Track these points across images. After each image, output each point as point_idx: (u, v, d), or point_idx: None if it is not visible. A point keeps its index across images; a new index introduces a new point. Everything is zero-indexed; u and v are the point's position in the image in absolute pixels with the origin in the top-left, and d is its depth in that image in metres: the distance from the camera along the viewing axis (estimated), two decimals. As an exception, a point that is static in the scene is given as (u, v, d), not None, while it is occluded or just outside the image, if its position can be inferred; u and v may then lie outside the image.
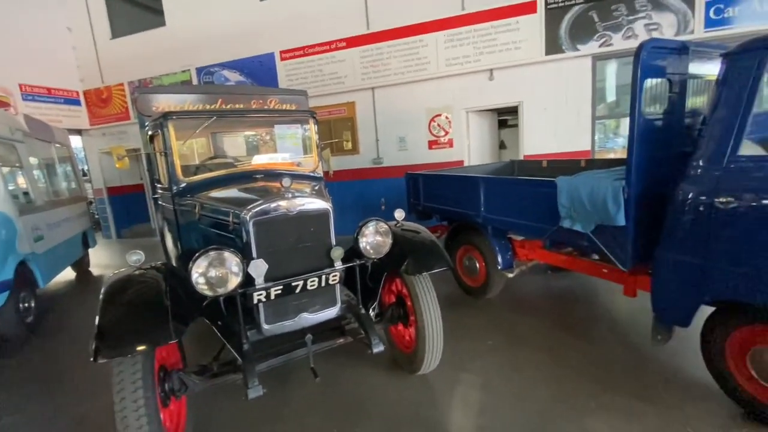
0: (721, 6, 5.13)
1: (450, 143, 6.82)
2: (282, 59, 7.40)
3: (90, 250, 6.94)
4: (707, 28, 5.22)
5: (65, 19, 8.71)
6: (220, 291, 2.04)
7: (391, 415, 2.48)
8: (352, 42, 6.88)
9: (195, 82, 7.99)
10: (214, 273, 2.02)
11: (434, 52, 6.47)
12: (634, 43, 2.95)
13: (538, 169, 4.92)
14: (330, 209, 2.41)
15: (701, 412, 2.28)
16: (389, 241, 2.54)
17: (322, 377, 2.44)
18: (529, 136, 6.35)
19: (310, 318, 2.41)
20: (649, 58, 2.32)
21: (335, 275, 2.38)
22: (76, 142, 8.97)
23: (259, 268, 2.14)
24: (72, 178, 6.74)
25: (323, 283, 2.35)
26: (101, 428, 2.54)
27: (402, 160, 7.06)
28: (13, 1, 7.78)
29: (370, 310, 2.64)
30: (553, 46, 5.87)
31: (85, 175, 9.45)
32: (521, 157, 6.26)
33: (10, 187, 4.41)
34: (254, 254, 2.20)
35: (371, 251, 2.51)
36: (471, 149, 6.91)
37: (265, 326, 2.30)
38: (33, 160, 5.17)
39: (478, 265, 4.04)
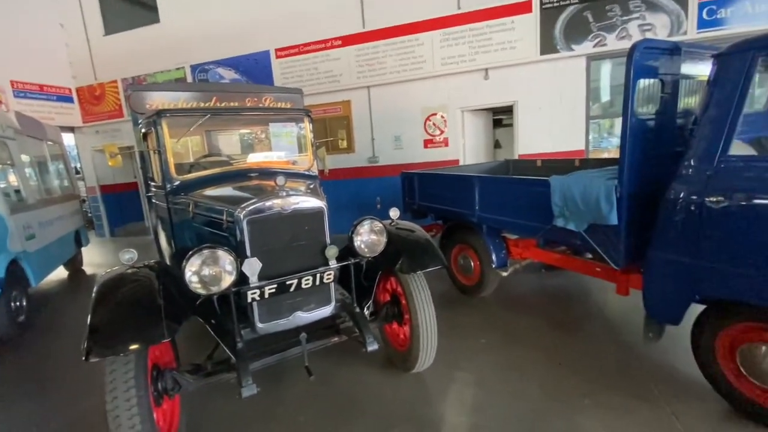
0: (714, 7, 5.18)
1: (445, 142, 6.83)
2: (277, 57, 7.37)
3: (83, 249, 6.88)
4: (700, 29, 5.27)
5: (57, 16, 8.61)
6: (214, 289, 2.03)
7: (385, 414, 2.48)
8: (348, 40, 6.87)
9: (189, 79, 7.94)
10: (207, 271, 2.02)
11: (430, 51, 6.48)
12: (628, 44, 2.97)
13: (533, 169, 4.94)
14: (324, 208, 2.41)
15: (691, 408, 2.31)
16: (384, 239, 2.54)
17: (316, 376, 2.44)
18: (524, 136, 6.37)
19: (304, 317, 2.41)
20: (642, 59, 2.34)
21: (330, 274, 2.38)
22: (68, 139, 8.88)
23: (253, 267, 2.13)
24: (64, 176, 6.68)
25: (318, 282, 2.35)
26: (94, 428, 2.52)
27: (397, 159, 7.07)
28: (4, -3, 7.69)
29: (365, 308, 2.64)
30: (547, 45, 5.89)
31: (77, 173, 9.36)
32: (516, 157, 6.29)
33: (1, 185, 4.37)
34: (248, 253, 2.19)
35: (366, 250, 2.51)
36: (466, 148, 6.92)
37: (259, 325, 2.29)
38: (24, 158, 5.12)
39: (472, 263, 4.05)
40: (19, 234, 4.36)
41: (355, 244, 2.50)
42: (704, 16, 5.23)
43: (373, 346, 2.38)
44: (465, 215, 3.89)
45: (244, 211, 2.20)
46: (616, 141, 6.40)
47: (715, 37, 5.14)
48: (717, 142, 2.06)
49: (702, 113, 2.17)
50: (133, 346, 1.75)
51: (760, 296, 1.93)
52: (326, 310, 2.49)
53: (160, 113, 3.07)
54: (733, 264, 2.00)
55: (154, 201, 3.67)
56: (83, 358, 1.66)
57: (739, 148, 2.07)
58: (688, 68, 2.52)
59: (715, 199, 2.04)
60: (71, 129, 9.13)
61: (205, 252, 2.01)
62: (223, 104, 3.93)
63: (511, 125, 6.91)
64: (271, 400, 2.67)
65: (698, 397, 2.38)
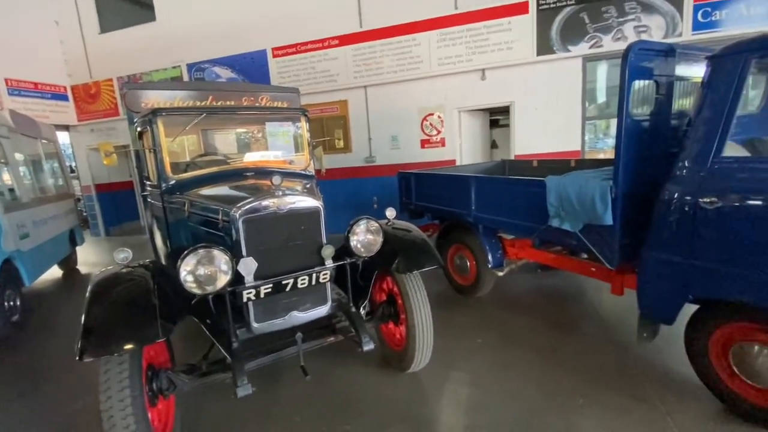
0: (709, 9, 5.22)
1: (442, 142, 6.84)
2: (274, 56, 7.35)
3: (78, 248, 6.84)
4: (695, 30, 5.31)
5: (53, 13, 8.54)
6: (209, 289, 2.02)
7: (381, 413, 2.49)
8: (345, 40, 6.86)
9: (186, 78, 7.90)
10: (202, 271, 2.01)
11: (427, 51, 6.48)
12: (623, 45, 2.98)
13: (529, 169, 4.96)
14: (321, 207, 2.40)
15: (685, 407, 2.33)
16: (380, 239, 2.54)
17: (312, 375, 2.44)
18: (520, 136, 6.39)
19: (300, 316, 2.40)
20: (637, 60, 2.35)
21: (326, 273, 2.37)
22: (63, 138, 8.82)
23: (248, 267, 2.13)
24: (59, 175, 6.64)
25: (314, 282, 2.34)
26: (89, 428, 2.51)
27: (394, 158, 7.07)
28: (-2, -6, 7.62)
29: (361, 308, 2.65)
30: (544, 46, 5.91)
31: (72, 171, 9.29)
32: (512, 157, 6.31)
33: (-5, 184, 4.33)
34: (244, 252, 2.18)
35: (362, 249, 2.51)
36: (463, 148, 6.94)
37: (255, 325, 2.28)
38: (18, 156, 5.08)
39: (468, 263, 4.06)
40: (13, 233, 4.32)
41: (352, 243, 2.50)
42: (699, 18, 5.27)
43: (369, 346, 2.38)
44: (461, 215, 3.90)
45: (239, 211, 2.20)
46: (611, 142, 6.42)
47: (709, 39, 5.18)
48: (711, 144, 2.08)
49: (696, 115, 2.19)
50: (128, 346, 1.74)
51: (752, 296, 1.95)
52: (322, 310, 2.49)
53: (155, 112, 3.06)
54: (726, 264, 2.02)
55: (149, 200, 3.65)
56: (77, 358, 1.65)
57: (732, 150, 2.09)
58: (682, 70, 2.54)
59: (708, 200, 2.06)
60: (66, 127, 9.06)
61: (201, 251, 2.00)
62: (219, 103, 3.92)
63: (507, 125, 6.93)
64: (266, 400, 2.67)
65: (692, 396, 2.40)
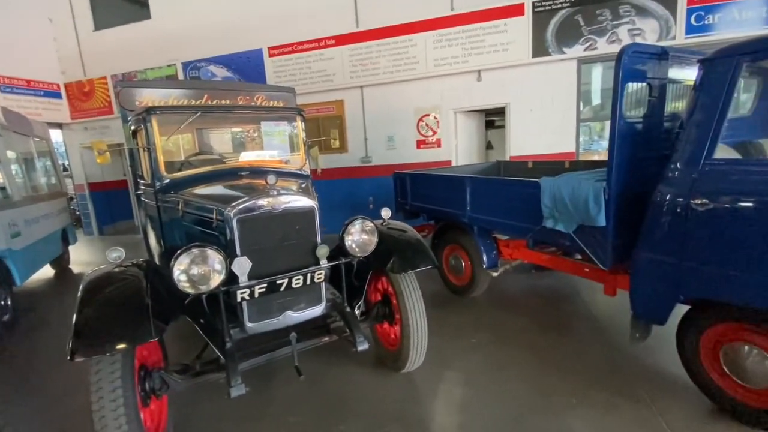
0: (702, 13, 5.27)
1: (438, 143, 6.86)
2: (270, 55, 7.33)
3: (70, 247, 6.78)
4: (688, 34, 5.36)
5: (46, 10, 8.46)
6: (203, 289, 2.02)
7: (375, 413, 2.49)
8: (342, 40, 6.86)
9: (181, 77, 7.85)
10: (196, 270, 2.00)
11: (423, 52, 6.49)
12: (618, 48, 3.01)
13: (524, 170, 4.98)
14: (315, 207, 2.40)
15: (677, 407, 2.35)
16: (375, 239, 2.54)
17: (306, 375, 2.44)
18: (516, 137, 6.42)
19: (294, 316, 2.40)
20: (630, 63, 2.37)
21: (320, 273, 2.37)
22: (56, 136, 8.73)
23: (242, 266, 2.12)
24: (52, 173, 6.57)
25: (308, 281, 2.34)
26: (80, 428, 2.48)
27: (390, 159, 7.07)
28: (-9, -10, 7.54)
29: (356, 308, 2.64)
30: (539, 48, 5.95)
31: (65, 170, 9.20)
32: (507, 158, 6.34)
33: (-14, 182, 4.28)
34: (238, 252, 2.18)
35: (357, 249, 2.51)
36: (458, 149, 6.96)
37: (249, 324, 2.28)
38: (10, 154, 5.02)
39: (463, 263, 4.07)
40: (4, 231, 4.28)
41: (346, 243, 2.50)
42: (692, 21, 5.33)
43: (363, 346, 2.38)
44: (456, 216, 3.91)
45: (234, 210, 2.19)
46: (606, 143, 6.47)
47: (702, 43, 5.24)
48: (702, 146, 2.10)
49: (688, 117, 2.21)
50: (120, 346, 1.73)
51: (742, 296, 1.97)
52: (317, 310, 2.49)
53: (149, 110, 3.04)
54: (717, 265, 2.04)
55: (143, 199, 3.63)
56: (68, 358, 1.64)
57: (723, 152, 2.11)
58: (675, 73, 2.56)
59: (699, 202, 2.08)
60: (59, 125, 8.97)
61: (194, 251, 1.99)
62: (214, 102, 3.90)
63: (503, 127, 6.96)
64: (261, 400, 2.66)
65: (683, 396, 2.42)
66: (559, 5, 5.75)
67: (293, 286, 2.29)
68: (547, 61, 5.98)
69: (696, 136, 2.13)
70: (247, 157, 3.66)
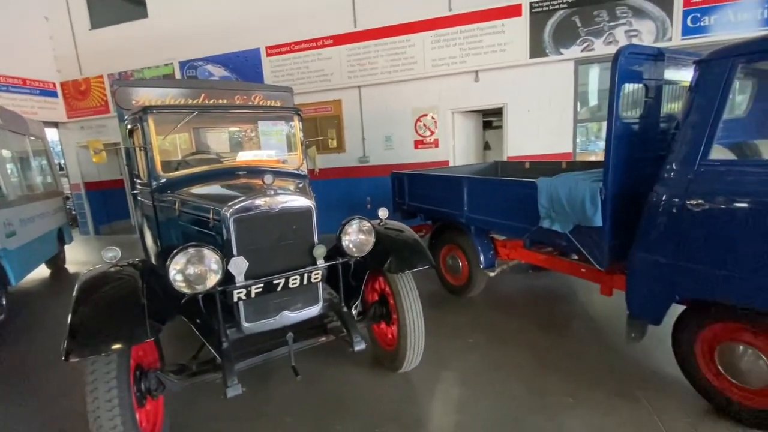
0: (698, 15, 5.30)
1: (435, 143, 6.86)
2: (268, 55, 7.32)
3: (66, 247, 6.74)
4: (684, 35, 5.39)
5: (42, 8, 8.41)
6: (199, 288, 2.01)
7: (372, 413, 2.49)
8: (339, 40, 6.85)
9: (178, 76, 7.83)
10: (192, 270, 1.99)
11: (421, 52, 6.50)
12: (614, 49, 3.02)
13: (521, 170, 5.00)
14: (313, 207, 2.40)
15: (672, 406, 2.36)
16: (372, 239, 2.54)
17: (303, 375, 2.43)
18: (513, 138, 6.44)
19: (291, 316, 2.40)
20: (627, 64, 2.38)
21: (317, 273, 2.37)
22: (52, 135, 8.68)
23: (239, 266, 2.11)
24: (47, 172, 6.53)
25: (305, 281, 2.34)
26: (76, 429, 2.47)
27: (388, 159, 7.07)
28: (-14, -12, 7.49)
29: (353, 308, 2.65)
30: (537, 49, 5.96)
31: (61, 169, 9.15)
32: (505, 158, 6.35)
33: (-19, 181, 4.25)
34: (235, 252, 2.17)
35: (354, 249, 2.51)
36: (456, 150, 6.97)
37: (246, 324, 2.27)
38: (5, 153, 5.00)
39: (460, 264, 4.08)
40: (-1, 231, 4.25)
41: (344, 243, 2.49)
42: (689, 23, 5.36)
43: (360, 346, 2.38)
44: (454, 216, 3.91)
45: (230, 210, 2.18)
46: (603, 144, 6.49)
47: (698, 44, 5.26)
48: (698, 147, 2.11)
49: (684, 118, 2.22)
50: (115, 346, 1.72)
51: (737, 296, 1.98)
52: (314, 310, 2.48)
53: (146, 109, 3.03)
54: (712, 265, 2.05)
55: (139, 198, 3.61)
56: (63, 359, 1.63)
57: (719, 153, 2.12)
58: (671, 74, 2.57)
59: (695, 202, 2.09)
60: (55, 124, 8.92)
61: (191, 250, 1.98)
62: (211, 101, 3.89)
63: (500, 127, 6.98)
64: (257, 400, 2.65)
65: (679, 395, 2.43)
66: (557, 6, 5.77)
67: (290, 286, 2.29)
68: (544, 61, 5.99)
69: (692, 137, 2.14)
70: (245, 157, 3.66)
